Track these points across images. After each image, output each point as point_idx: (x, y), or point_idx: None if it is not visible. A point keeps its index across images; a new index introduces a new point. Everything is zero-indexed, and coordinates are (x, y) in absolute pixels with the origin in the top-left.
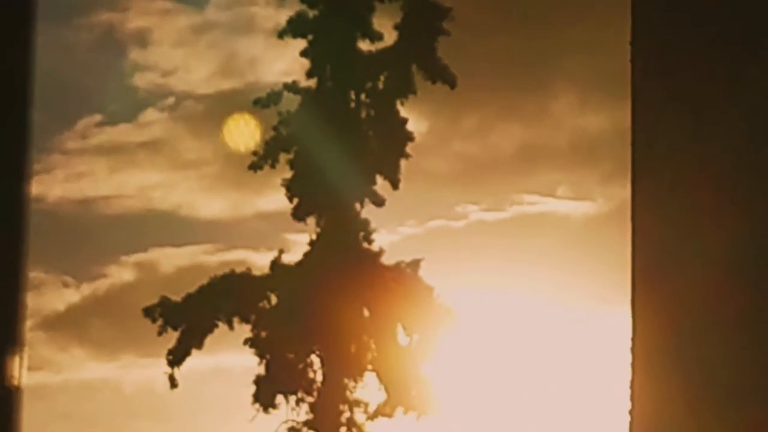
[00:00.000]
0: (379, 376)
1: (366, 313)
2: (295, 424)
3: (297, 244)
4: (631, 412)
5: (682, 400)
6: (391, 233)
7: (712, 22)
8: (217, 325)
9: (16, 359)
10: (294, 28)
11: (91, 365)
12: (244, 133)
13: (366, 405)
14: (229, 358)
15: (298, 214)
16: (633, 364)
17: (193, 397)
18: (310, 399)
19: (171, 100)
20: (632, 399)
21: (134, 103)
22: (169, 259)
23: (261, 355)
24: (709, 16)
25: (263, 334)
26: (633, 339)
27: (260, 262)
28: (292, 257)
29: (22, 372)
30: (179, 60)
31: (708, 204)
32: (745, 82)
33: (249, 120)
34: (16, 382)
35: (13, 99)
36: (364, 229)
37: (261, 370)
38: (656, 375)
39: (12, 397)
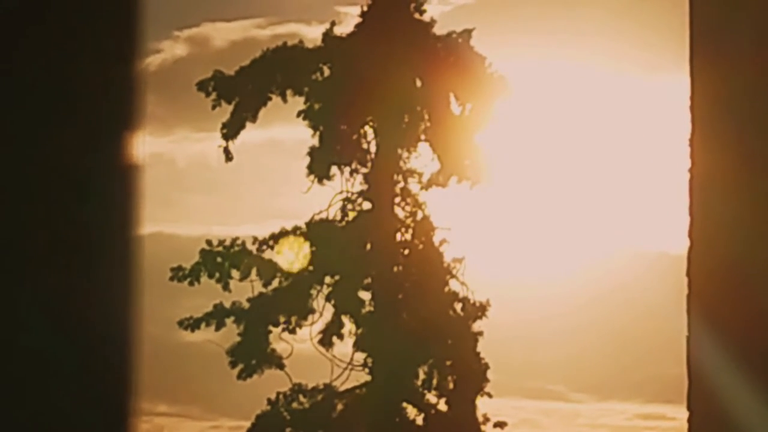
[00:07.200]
0: (432, 145)
1: (418, 83)
2: (349, 194)
3: (349, 16)
4: (691, 171)
5: (738, 156)
6: (442, 3)
7: None
8: (270, 98)
9: (137, 136)
10: None
11: (145, 140)
12: None
13: (420, 175)
14: (283, 131)
15: None
16: (692, 122)
17: (247, 170)
18: (364, 170)
19: None
20: (692, 156)
21: None
22: (221, 33)
23: (314, 127)
24: None
25: (317, 105)
26: (692, 99)
27: (312, 34)
28: (344, 29)
29: (143, 148)
30: None
31: None
32: None
33: None
34: (137, 160)
35: None
36: None
37: (315, 141)
38: (714, 132)
39: (133, 174)
